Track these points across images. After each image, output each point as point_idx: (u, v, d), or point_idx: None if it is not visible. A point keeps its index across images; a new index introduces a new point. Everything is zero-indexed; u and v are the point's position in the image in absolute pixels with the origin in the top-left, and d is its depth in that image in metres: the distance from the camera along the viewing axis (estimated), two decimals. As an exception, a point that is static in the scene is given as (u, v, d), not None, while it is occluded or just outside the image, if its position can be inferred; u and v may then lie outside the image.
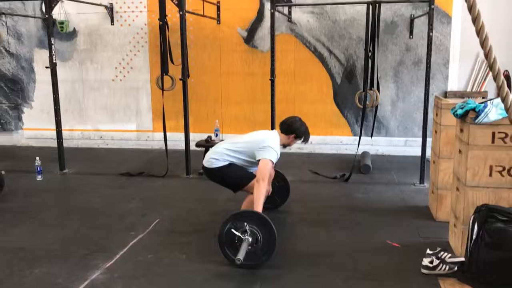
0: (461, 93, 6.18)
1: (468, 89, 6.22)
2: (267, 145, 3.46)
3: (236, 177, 3.62)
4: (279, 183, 4.16)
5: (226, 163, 3.60)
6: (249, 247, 3.02)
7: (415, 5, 6.07)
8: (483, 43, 1.38)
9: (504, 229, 2.65)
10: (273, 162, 3.45)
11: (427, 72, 4.82)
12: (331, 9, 6.36)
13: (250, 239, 3.01)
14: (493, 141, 2.95)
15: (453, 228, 3.38)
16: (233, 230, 3.04)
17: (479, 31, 1.38)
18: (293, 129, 3.67)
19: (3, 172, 4.74)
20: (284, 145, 3.72)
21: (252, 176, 3.52)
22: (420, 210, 4.22)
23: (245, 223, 3.03)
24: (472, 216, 2.82)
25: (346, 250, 3.39)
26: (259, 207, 3.22)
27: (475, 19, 1.37)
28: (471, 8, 1.37)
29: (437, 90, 6.23)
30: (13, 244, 3.54)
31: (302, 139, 3.72)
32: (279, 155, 3.55)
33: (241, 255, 2.92)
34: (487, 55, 1.38)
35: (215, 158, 3.62)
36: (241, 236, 3.02)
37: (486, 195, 3.02)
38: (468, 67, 6.22)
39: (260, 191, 3.27)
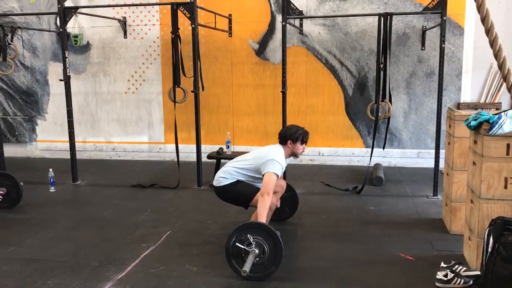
0: (474, 104, 6.13)
1: (482, 101, 6.16)
2: (271, 158, 3.46)
3: (245, 193, 3.62)
4: (287, 194, 4.14)
5: (234, 180, 3.63)
6: (256, 259, 3.01)
7: (427, 16, 6.06)
8: (497, 54, 1.37)
9: (520, 243, 2.60)
10: (277, 175, 3.44)
11: (440, 84, 4.79)
12: (342, 21, 6.37)
13: (257, 250, 3.00)
14: (507, 153, 2.91)
15: (467, 241, 3.33)
16: (237, 244, 3.04)
17: (493, 42, 1.37)
18: (287, 136, 3.63)
19: (22, 183, 4.78)
20: (291, 156, 3.69)
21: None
22: (433, 222, 4.17)
23: (248, 235, 3.02)
24: (487, 229, 2.77)
25: (358, 263, 3.36)
26: (262, 219, 3.22)
27: (489, 31, 1.37)
28: (484, 20, 1.36)
29: (450, 102, 6.19)
30: (26, 255, 3.56)
31: (300, 141, 3.64)
32: (284, 167, 3.56)
33: (246, 267, 2.91)
34: (501, 66, 1.37)
35: (223, 176, 3.65)
36: (247, 249, 3.01)
37: (501, 207, 2.97)
38: (482, 78, 6.17)
39: (264, 204, 3.27)
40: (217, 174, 3.75)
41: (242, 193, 3.63)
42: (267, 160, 3.46)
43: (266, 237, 3.04)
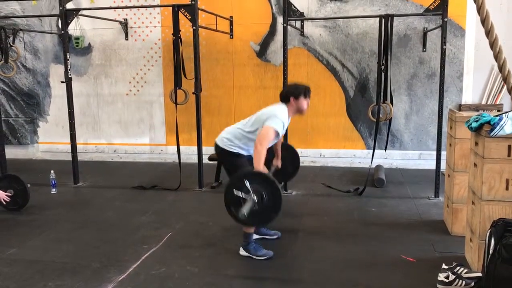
0: (475, 106, 6.13)
1: (483, 102, 6.16)
2: (273, 114, 3.41)
3: (241, 168, 3.54)
4: (285, 151, 4.09)
5: (236, 150, 3.56)
6: (256, 206, 3.05)
7: (428, 18, 6.06)
8: (497, 56, 1.37)
9: (522, 244, 2.60)
10: (277, 132, 3.37)
11: (441, 85, 4.79)
12: (343, 23, 6.37)
13: (255, 197, 3.03)
14: (509, 154, 2.91)
15: (469, 242, 3.32)
16: (236, 191, 3.06)
17: (493, 44, 1.37)
18: (289, 93, 3.56)
19: (29, 185, 4.79)
20: (297, 112, 3.60)
21: None
22: (435, 224, 4.16)
23: (247, 183, 3.03)
24: (489, 231, 2.77)
25: (359, 264, 3.35)
26: (259, 167, 3.20)
27: (489, 32, 1.37)
28: (484, 21, 1.36)
29: (451, 103, 6.18)
30: (27, 257, 3.57)
31: (303, 96, 3.55)
32: (285, 126, 3.52)
33: (245, 210, 2.99)
34: (501, 68, 1.37)
35: (226, 137, 3.60)
36: (245, 197, 3.05)
37: (502, 209, 2.97)
38: (483, 80, 6.17)
39: (259, 153, 3.23)
40: (221, 133, 3.68)
41: (239, 169, 3.53)
42: (269, 116, 3.41)
43: (264, 184, 3.05)
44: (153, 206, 4.84)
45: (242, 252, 3.50)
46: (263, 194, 3.05)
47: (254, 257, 3.43)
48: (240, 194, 3.05)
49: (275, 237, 3.89)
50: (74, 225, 4.31)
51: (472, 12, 6.00)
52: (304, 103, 3.56)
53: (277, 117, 3.39)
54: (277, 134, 3.40)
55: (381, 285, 3.03)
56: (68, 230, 4.17)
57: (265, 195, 3.05)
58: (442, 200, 4.75)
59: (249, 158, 3.53)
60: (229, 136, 3.60)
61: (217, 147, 3.67)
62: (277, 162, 3.96)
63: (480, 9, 1.24)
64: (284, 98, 3.57)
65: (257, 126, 3.47)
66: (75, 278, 3.17)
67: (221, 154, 3.67)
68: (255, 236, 3.76)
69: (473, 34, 6.06)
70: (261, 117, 3.47)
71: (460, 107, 6.16)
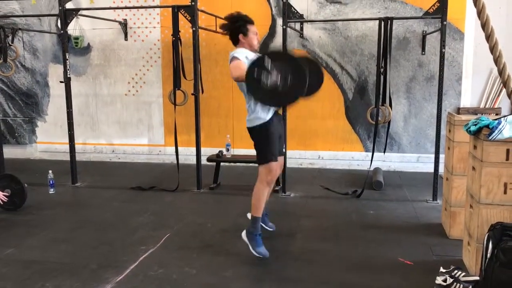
0: (474, 109, 6.14)
1: (482, 105, 6.17)
2: (230, 57, 3.40)
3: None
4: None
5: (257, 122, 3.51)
6: (280, 83, 2.95)
7: (427, 21, 6.07)
8: (497, 60, 1.37)
9: (520, 248, 2.60)
10: (237, 58, 3.32)
11: (440, 88, 4.80)
12: (342, 25, 6.38)
13: (277, 74, 2.94)
14: (507, 158, 2.91)
15: (467, 246, 3.33)
16: (256, 73, 2.95)
17: (493, 48, 1.38)
18: (233, 33, 3.53)
19: (26, 185, 4.78)
20: (250, 49, 3.53)
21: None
22: (433, 227, 4.17)
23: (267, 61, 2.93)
24: (487, 234, 2.77)
25: (358, 267, 3.35)
26: (243, 72, 3.14)
27: (489, 37, 1.37)
28: (484, 25, 1.37)
29: (450, 106, 6.19)
30: (25, 257, 3.56)
31: (245, 27, 3.51)
32: (248, 58, 3.39)
33: (268, 62, 2.88)
34: (501, 72, 1.38)
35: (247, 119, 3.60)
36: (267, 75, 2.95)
37: (500, 213, 2.97)
38: (481, 83, 6.18)
39: (234, 75, 3.24)
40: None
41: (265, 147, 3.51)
42: (230, 60, 3.39)
43: (289, 66, 2.97)
44: (151, 207, 4.84)
45: (244, 236, 3.51)
46: (286, 71, 2.94)
47: (251, 248, 3.42)
48: (261, 74, 2.93)
49: (271, 229, 3.93)
50: (72, 225, 4.30)
51: (471, 15, 6.02)
52: (252, 33, 3.53)
53: (233, 53, 3.41)
54: (240, 60, 3.32)
55: (379, 288, 3.03)
56: (66, 230, 4.16)
57: (288, 72, 2.94)
58: (440, 203, 4.76)
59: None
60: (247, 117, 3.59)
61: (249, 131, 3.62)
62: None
63: (480, 13, 1.24)
64: (232, 39, 3.55)
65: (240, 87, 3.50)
66: (73, 279, 3.17)
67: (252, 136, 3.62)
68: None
69: (472, 37, 6.08)
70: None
71: (458, 111, 6.17)
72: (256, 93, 3.10)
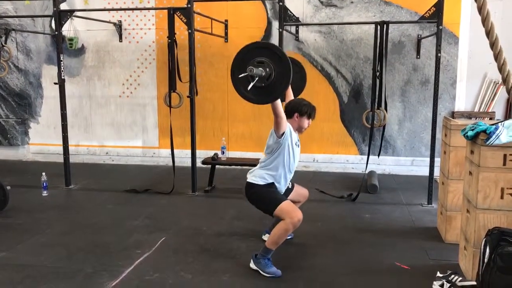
0: (468, 113, 6.17)
1: (476, 109, 6.20)
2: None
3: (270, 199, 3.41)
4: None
5: (264, 182, 3.45)
6: (266, 81, 2.93)
7: (422, 25, 6.09)
8: (497, 56, 1.37)
9: (517, 253, 2.60)
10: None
11: (435, 92, 4.81)
12: (338, 29, 6.39)
13: (264, 70, 2.91)
14: (504, 163, 2.92)
15: (463, 250, 3.33)
16: (241, 75, 2.93)
17: (493, 44, 1.37)
18: (295, 108, 3.51)
19: (8, 187, 4.72)
20: (296, 130, 3.55)
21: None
22: (428, 231, 4.17)
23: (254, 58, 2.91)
24: (484, 239, 2.77)
25: (354, 271, 3.35)
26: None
27: (489, 32, 1.37)
28: (484, 21, 1.36)
29: (444, 110, 6.21)
30: (17, 261, 3.51)
31: (307, 116, 3.52)
32: (292, 135, 3.43)
33: (252, 66, 2.85)
34: (501, 68, 1.37)
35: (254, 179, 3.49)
36: (252, 74, 2.89)
37: (497, 217, 2.98)
38: (476, 87, 6.21)
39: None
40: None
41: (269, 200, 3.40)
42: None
43: (272, 59, 2.94)
44: (146, 210, 4.80)
45: (252, 265, 3.36)
46: (272, 67, 2.92)
47: (262, 272, 3.28)
48: (245, 73, 2.89)
49: (288, 237, 3.85)
50: (66, 228, 4.26)
51: (466, 20, 6.06)
52: (306, 122, 3.55)
53: None
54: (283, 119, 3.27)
55: (376, 293, 3.02)
56: (59, 234, 4.11)
57: (273, 67, 2.92)
58: (435, 207, 4.77)
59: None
60: (255, 179, 3.49)
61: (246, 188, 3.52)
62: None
63: (481, 9, 1.24)
64: (289, 112, 3.52)
65: (268, 145, 3.45)
66: (67, 283, 3.13)
67: (250, 193, 3.51)
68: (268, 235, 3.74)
69: (467, 42, 6.11)
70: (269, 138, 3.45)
71: (453, 115, 6.19)
72: (245, 93, 3.04)
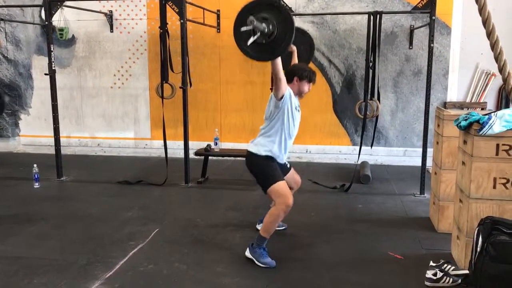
0: (460, 103, 6.19)
1: (468, 100, 6.23)
2: None
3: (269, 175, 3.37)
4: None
5: (264, 153, 3.40)
6: (268, 38, 2.88)
7: (415, 16, 6.09)
8: (498, 57, 1.37)
9: (509, 242, 2.63)
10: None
11: (428, 83, 4.83)
12: (331, 19, 6.37)
13: (266, 26, 2.85)
14: (497, 153, 2.94)
15: (456, 240, 3.36)
16: (243, 28, 2.85)
17: (494, 45, 1.37)
18: (295, 72, 3.48)
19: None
20: (296, 94, 3.49)
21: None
22: (421, 221, 4.20)
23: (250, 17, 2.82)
24: (477, 229, 2.80)
25: (348, 261, 3.36)
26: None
27: (490, 34, 1.37)
28: (485, 22, 1.36)
29: (437, 101, 6.23)
30: (10, 254, 3.49)
31: (307, 80, 3.48)
32: (292, 99, 3.36)
33: (254, 19, 2.78)
34: (501, 69, 1.37)
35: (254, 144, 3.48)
36: (253, 28, 2.83)
37: (490, 207, 3.00)
38: (468, 78, 6.23)
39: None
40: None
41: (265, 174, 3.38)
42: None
43: (277, 17, 2.89)
44: (139, 201, 4.78)
45: (248, 254, 3.36)
46: (272, 22, 2.86)
47: (257, 262, 3.29)
48: (247, 27, 2.83)
49: (282, 228, 3.88)
50: (59, 220, 4.24)
51: (458, 10, 6.07)
52: (306, 86, 3.50)
53: None
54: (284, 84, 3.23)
55: (369, 282, 3.04)
56: (52, 226, 4.09)
57: (275, 24, 2.86)
58: (427, 197, 4.80)
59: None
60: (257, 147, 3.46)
61: (246, 158, 3.50)
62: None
63: (482, 10, 1.24)
64: (289, 75, 3.46)
65: (267, 114, 3.40)
66: (61, 275, 3.12)
67: (249, 163, 3.49)
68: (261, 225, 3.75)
69: (459, 32, 6.12)
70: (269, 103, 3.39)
71: (445, 105, 6.22)
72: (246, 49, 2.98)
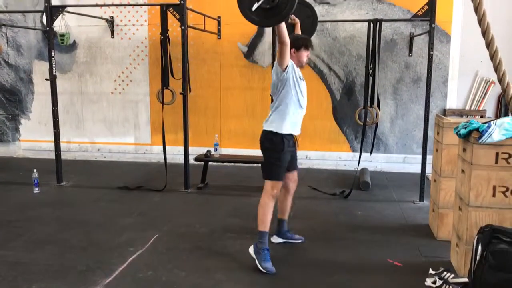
0: (459, 111, 6.21)
1: (467, 107, 6.25)
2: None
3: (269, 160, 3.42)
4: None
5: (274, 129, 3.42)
6: (272, 2, 2.94)
7: (415, 23, 6.12)
8: (497, 67, 1.38)
9: (509, 251, 2.63)
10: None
11: (428, 90, 4.84)
12: (331, 26, 6.40)
13: None
14: (496, 162, 2.95)
15: (455, 247, 3.36)
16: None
17: (493, 56, 1.38)
18: (290, 43, 3.42)
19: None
20: (298, 65, 3.49)
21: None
22: (420, 228, 4.20)
23: None
24: (476, 237, 2.80)
25: (347, 269, 3.36)
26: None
27: (489, 44, 1.38)
28: (484, 33, 1.37)
29: (436, 108, 6.25)
30: (9, 259, 3.49)
31: (304, 47, 3.46)
32: (295, 69, 3.39)
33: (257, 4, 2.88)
34: (500, 79, 1.38)
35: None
36: None
37: (489, 215, 3.01)
38: (467, 85, 6.25)
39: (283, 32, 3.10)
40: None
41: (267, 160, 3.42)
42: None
43: None
44: (138, 207, 4.78)
45: (251, 251, 3.40)
46: None
47: (258, 264, 3.29)
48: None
49: (299, 241, 3.85)
50: (58, 226, 4.23)
51: (458, 18, 6.09)
52: (304, 55, 3.49)
53: None
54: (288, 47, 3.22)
55: (369, 290, 3.04)
56: (52, 231, 4.09)
57: None
58: (427, 204, 4.80)
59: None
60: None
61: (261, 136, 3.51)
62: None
63: (481, 20, 1.25)
64: None
65: (273, 89, 3.45)
66: (60, 281, 3.11)
67: (263, 142, 3.49)
68: (279, 240, 3.79)
69: (459, 40, 6.15)
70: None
71: (444, 112, 6.23)
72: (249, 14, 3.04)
